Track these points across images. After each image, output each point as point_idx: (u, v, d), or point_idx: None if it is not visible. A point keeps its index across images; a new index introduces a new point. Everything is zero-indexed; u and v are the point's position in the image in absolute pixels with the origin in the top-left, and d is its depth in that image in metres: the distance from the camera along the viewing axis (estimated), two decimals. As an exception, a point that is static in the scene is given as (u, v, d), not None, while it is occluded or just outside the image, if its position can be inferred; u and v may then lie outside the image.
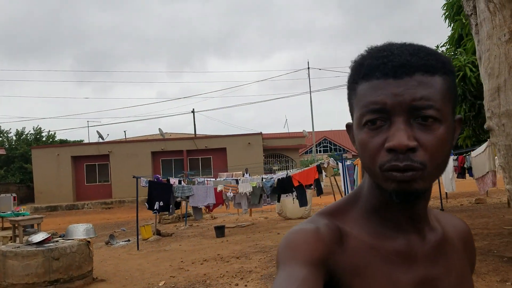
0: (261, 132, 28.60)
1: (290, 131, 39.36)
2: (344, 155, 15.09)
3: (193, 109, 32.38)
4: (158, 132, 30.66)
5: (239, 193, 10.47)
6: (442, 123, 0.71)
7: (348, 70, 0.78)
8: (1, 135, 32.59)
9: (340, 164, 13.89)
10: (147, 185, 9.82)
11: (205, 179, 11.51)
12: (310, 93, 32.55)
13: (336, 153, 33.89)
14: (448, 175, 11.23)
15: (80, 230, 7.64)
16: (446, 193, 14.66)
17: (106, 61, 78.53)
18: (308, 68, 33.55)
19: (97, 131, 29.30)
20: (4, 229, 13.09)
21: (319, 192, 11.72)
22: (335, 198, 15.43)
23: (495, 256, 6.54)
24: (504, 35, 1.63)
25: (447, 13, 8.27)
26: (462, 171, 11.32)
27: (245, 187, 10.48)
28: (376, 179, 0.73)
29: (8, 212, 12.83)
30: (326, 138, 49.62)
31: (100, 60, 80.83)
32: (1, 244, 9.29)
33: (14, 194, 15.28)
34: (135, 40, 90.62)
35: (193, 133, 32.67)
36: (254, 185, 10.68)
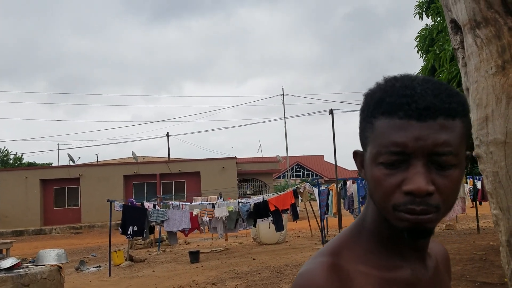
0: (235, 156, 28.60)
1: (264, 156, 39.55)
2: (319, 180, 15.25)
3: (167, 132, 32.25)
4: (131, 156, 30.21)
5: (215, 218, 10.38)
6: (457, 167, 0.71)
7: (363, 99, 0.77)
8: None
9: (316, 190, 14.03)
10: (121, 209, 9.62)
11: (180, 203, 11.38)
12: (285, 118, 33.00)
13: (312, 178, 34.12)
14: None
15: (51, 256, 7.36)
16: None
17: (80, 85, 77.34)
18: (283, 94, 34.11)
19: (68, 154, 28.67)
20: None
21: (295, 217, 11.76)
22: (309, 223, 15.49)
23: (468, 281, 6.69)
24: (491, 68, 1.74)
25: (420, 45, 8.66)
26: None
27: (221, 212, 10.41)
28: (388, 216, 0.73)
29: (-29, 237, 12.28)
30: (299, 163, 50.02)
31: (74, 83, 79.60)
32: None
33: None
34: (111, 65, 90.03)
35: (167, 156, 32.35)
36: (231, 210, 10.62)
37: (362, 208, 13.09)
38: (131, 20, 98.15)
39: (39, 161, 36.66)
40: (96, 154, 34.19)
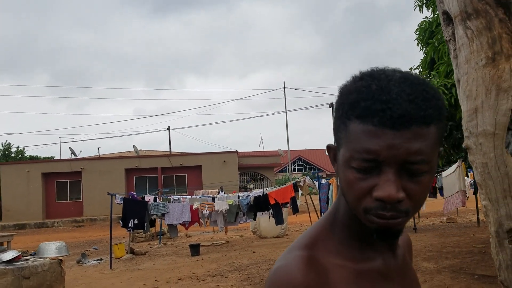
0: (236, 150, 28.62)
1: (265, 150, 39.52)
2: (320, 173, 15.27)
3: (169, 126, 32.23)
4: (133, 149, 30.26)
5: (215, 211, 10.42)
6: (428, 173, 0.72)
7: (338, 94, 0.77)
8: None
9: (316, 183, 14.05)
10: (122, 202, 9.65)
11: (181, 196, 11.41)
12: (286, 112, 32.92)
13: (312, 171, 34.16)
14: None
15: (52, 248, 7.43)
16: (418, 212, 14.96)
17: (82, 78, 77.25)
18: (284, 88, 34.03)
19: (70, 148, 28.70)
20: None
21: (295, 210, 11.78)
22: (310, 217, 15.52)
23: (467, 273, 6.71)
24: (481, 60, 1.74)
25: (420, 38, 8.63)
26: (434, 191, 11.63)
27: (221, 205, 10.44)
28: (359, 216, 0.75)
29: (-26, 230, 12.36)
30: (300, 157, 50.00)
31: (76, 77, 79.54)
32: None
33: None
34: (113, 58, 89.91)
35: (168, 150, 32.38)
36: (231, 203, 10.66)
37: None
38: (132, 13, 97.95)
39: (41, 154, 36.83)
40: (98, 148, 34.25)
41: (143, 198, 10.45)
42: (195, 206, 10.25)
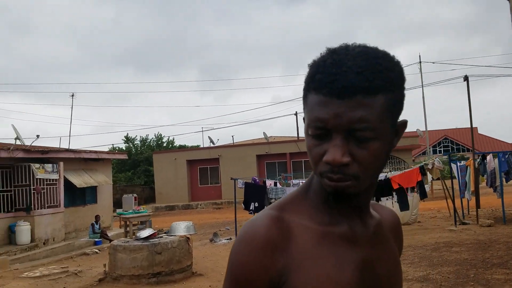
0: (368, 133, 27.66)
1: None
2: (467, 155, 13.93)
3: (296, 111, 32.63)
4: (263, 136, 31.53)
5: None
6: (377, 139, 0.77)
7: (308, 69, 0.83)
8: (129, 142, 36.53)
9: (454, 166, 12.90)
10: (243, 186, 10.23)
11: (300, 181, 11.57)
12: (423, 87, 30.53)
13: (447, 152, 31.23)
14: None
15: (181, 227, 8.29)
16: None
17: (225, 71, 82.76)
18: (420, 62, 31.61)
19: (209, 137, 31.22)
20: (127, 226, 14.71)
21: (423, 195, 11.01)
22: (447, 202, 14.28)
23: None
24: None
25: None
26: None
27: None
28: (319, 180, 0.82)
29: (130, 211, 14.39)
30: (447, 137, 45.71)
31: (220, 70, 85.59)
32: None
33: (135, 195, 17.07)
34: (252, 48, 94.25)
35: (296, 136, 32.88)
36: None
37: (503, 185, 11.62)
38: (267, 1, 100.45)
39: (189, 143, 40.87)
40: (232, 136, 36.58)
41: (264, 182, 10.90)
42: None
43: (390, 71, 0.78)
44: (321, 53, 0.82)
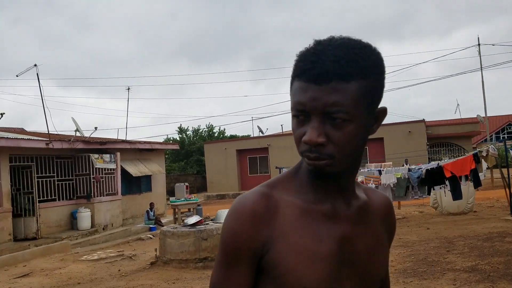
0: (423, 119, 26.73)
1: (462, 117, 35.26)
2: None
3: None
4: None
5: (381, 185, 10.16)
6: (352, 122, 0.85)
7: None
8: (182, 133, 37.62)
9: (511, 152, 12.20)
10: (289, 175, 10.29)
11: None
12: (482, 71, 28.83)
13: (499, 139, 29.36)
14: None
15: (227, 215, 8.52)
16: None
17: (278, 59, 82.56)
18: (479, 44, 29.84)
19: (258, 126, 31.47)
20: (182, 213, 15.29)
21: (477, 184, 10.55)
22: (506, 192, 13.53)
23: None
24: None
25: None
26: None
27: (388, 178, 10.12)
28: (302, 159, 0.92)
29: (182, 199, 14.94)
30: (511, 123, 42.99)
31: (273, 58, 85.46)
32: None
33: (186, 184, 17.62)
34: (305, 35, 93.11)
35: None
36: (399, 176, 10.22)
37: None
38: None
39: (239, 133, 41.39)
40: (281, 125, 36.52)
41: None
42: (359, 179, 10.18)
43: (364, 60, 0.85)
44: (309, 44, 0.90)
